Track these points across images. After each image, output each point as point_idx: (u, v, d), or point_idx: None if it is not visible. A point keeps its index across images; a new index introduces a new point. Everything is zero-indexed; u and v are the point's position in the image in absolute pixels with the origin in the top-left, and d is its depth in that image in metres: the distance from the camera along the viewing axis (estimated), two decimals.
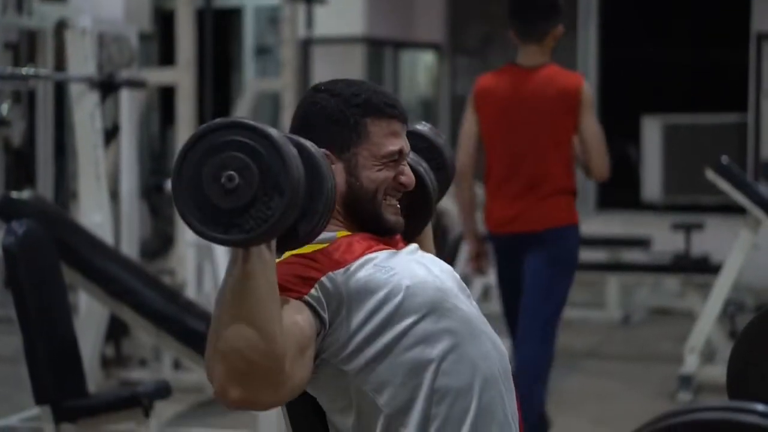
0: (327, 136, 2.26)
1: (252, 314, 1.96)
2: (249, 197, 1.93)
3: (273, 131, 1.97)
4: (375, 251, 2.23)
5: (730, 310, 7.16)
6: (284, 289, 2.07)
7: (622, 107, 11.45)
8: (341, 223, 2.30)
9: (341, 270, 2.16)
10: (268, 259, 2.00)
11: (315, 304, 2.11)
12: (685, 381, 6.25)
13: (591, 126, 4.84)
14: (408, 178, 2.31)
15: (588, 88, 4.88)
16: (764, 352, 2.56)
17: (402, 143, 2.30)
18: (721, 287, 6.37)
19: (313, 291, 2.12)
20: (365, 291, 2.15)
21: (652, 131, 10.62)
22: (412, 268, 2.22)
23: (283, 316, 2.02)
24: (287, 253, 2.19)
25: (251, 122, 1.97)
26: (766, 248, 7.55)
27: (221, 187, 1.94)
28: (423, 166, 2.42)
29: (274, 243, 2.03)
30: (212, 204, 1.95)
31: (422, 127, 2.55)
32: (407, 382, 2.14)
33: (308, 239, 2.13)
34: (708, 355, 6.70)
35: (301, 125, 2.29)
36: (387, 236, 2.32)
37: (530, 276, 4.81)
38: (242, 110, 9.40)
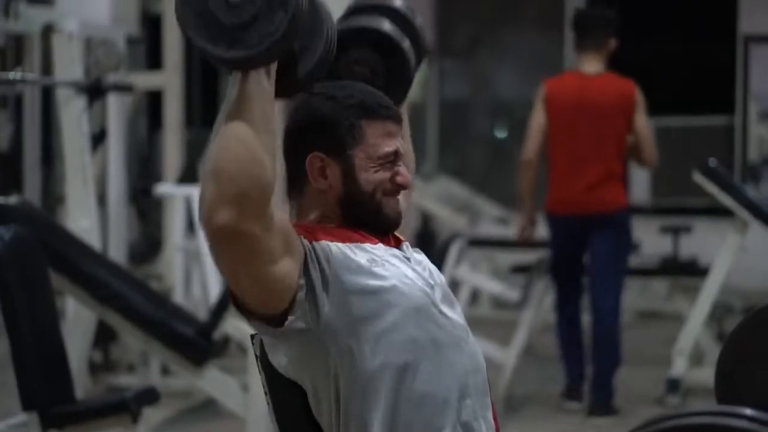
0: (322, 139, 2.26)
1: (244, 138, 2.01)
2: (253, 11, 1.95)
3: None
4: (373, 244, 2.25)
5: (718, 312, 7.17)
6: (288, 230, 2.14)
7: None
8: (337, 223, 2.30)
9: (341, 244, 2.20)
10: (266, 87, 2.04)
11: (307, 252, 2.17)
12: (674, 384, 6.25)
13: (645, 124, 5.94)
14: (404, 177, 2.31)
15: (640, 92, 5.99)
16: (752, 355, 2.56)
17: (397, 144, 2.31)
18: (709, 290, 6.37)
19: (306, 242, 2.18)
20: (355, 268, 2.19)
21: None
22: (404, 270, 2.24)
23: (281, 217, 2.11)
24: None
25: None
26: (754, 251, 7.57)
27: (225, 3, 1.96)
28: (392, 29, 2.44)
29: (273, 71, 2.05)
30: (216, 20, 1.96)
31: (398, 3, 2.56)
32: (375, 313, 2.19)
33: (308, 81, 2.16)
34: (696, 358, 6.70)
35: (296, 129, 2.30)
36: (385, 233, 2.32)
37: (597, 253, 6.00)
38: None
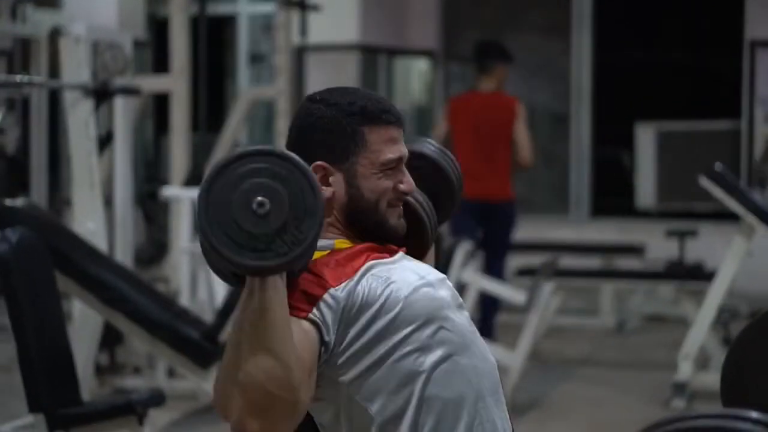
0: (325, 146, 2.24)
1: (271, 346, 1.97)
2: (281, 220, 1.94)
3: (293, 155, 1.99)
4: (373, 260, 2.21)
5: (724, 317, 7.17)
6: (291, 307, 2.05)
7: (615, 114, 11.46)
8: (340, 231, 2.27)
9: (342, 285, 2.14)
10: (281, 288, 2.00)
11: (320, 323, 2.10)
12: (680, 388, 6.25)
13: (522, 131, 7.48)
14: (408, 185, 2.28)
15: (521, 106, 7.58)
16: (758, 359, 2.56)
17: (401, 149, 2.28)
18: (715, 294, 6.37)
19: (316, 311, 2.10)
20: (363, 304, 2.14)
21: (645, 138, 10.63)
22: (407, 277, 2.20)
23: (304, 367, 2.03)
24: None
25: (271, 148, 1.98)
26: (760, 255, 7.56)
27: (253, 213, 1.94)
28: (420, 199, 2.39)
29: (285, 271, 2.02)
30: (242, 229, 1.94)
31: (427, 147, 2.52)
32: (399, 391, 2.13)
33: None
34: (702, 362, 6.70)
35: (298, 136, 2.27)
36: (389, 242, 2.30)
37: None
38: (236, 118, 9.40)
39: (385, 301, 2.15)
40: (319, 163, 2.23)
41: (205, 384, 5.01)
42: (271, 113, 10.04)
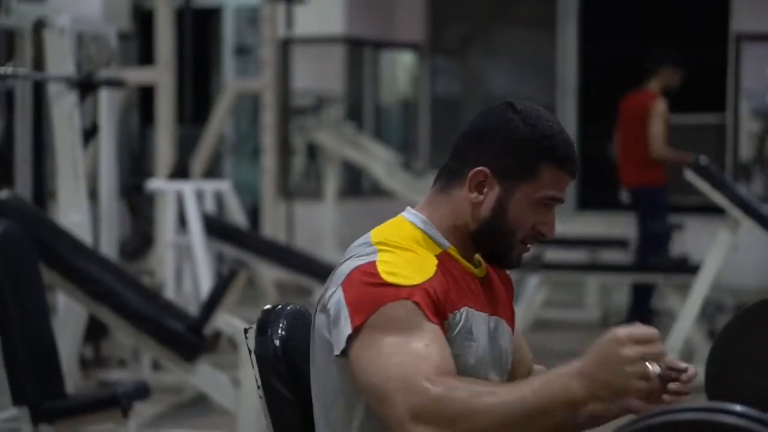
0: (500, 158, 2.20)
1: None
2: None
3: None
4: (469, 308, 2.20)
5: (710, 310, 7.18)
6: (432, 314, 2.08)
7: (601, 107, 11.47)
8: (457, 239, 2.24)
9: (450, 316, 2.15)
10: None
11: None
12: None
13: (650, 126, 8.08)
14: (549, 228, 2.25)
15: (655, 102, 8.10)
16: (742, 353, 2.57)
17: (563, 195, 2.25)
18: (700, 287, 6.38)
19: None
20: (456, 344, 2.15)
21: None
22: (484, 341, 2.23)
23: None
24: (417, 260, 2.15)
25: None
26: (745, 248, 7.58)
27: None
28: None
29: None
30: None
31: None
32: None
33: None
34: (687, 355, 6.71)
35: (481, 134, 2.23)
36: (498, 268, 2.30)
37: None
38: (222, 110, 9.38)
39: (468, 354, 2.20)
40: (484, 170, 2.20)
41: (190, 377, 5.00)
42: (257, 105, 10.03)
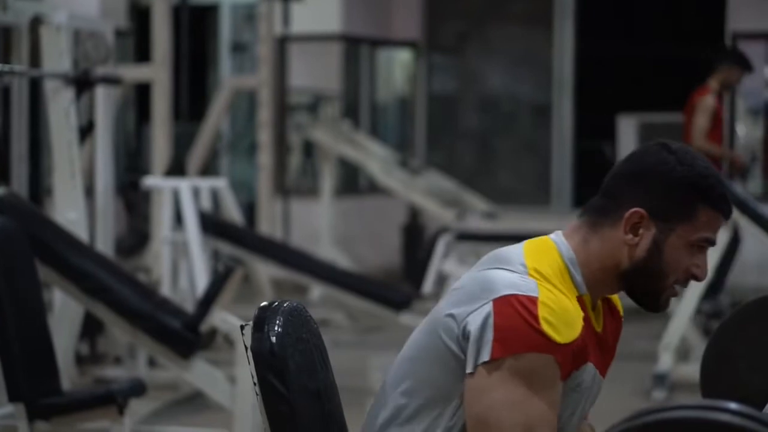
0: (656, 199, 2.19)
1: None
2: None
3: None
4: (591, 363, 2.23)
5: (705, 308, 7.19)
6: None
7: (598, 105, 11.47)
8: (602, 277, 2.24)
9: (575, 373, 2.18)
10: None
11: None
12: (660, 379, 6.27)
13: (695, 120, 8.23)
14: (702, 271, 2.23)
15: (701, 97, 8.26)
16: (737, 351, 2.57)
17: (716, 235, 2.24)
18: (696, 286, 6.39)
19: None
20: None
21: (627, 129, 10.64)
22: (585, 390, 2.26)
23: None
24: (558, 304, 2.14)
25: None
26: (742, 247, 7.58)
27: None
28: None
29: None
30: None
31: None
32: None
33: None
34: (683, 354, 6.72)
35: (637, 175, 2.22)
36: (643, 308, 2.29)
37: None
38: (218, 107, 9.38)
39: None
40: (641, 211, 2.19)
41: (185, 374, 5.00)
42: (254, 103, 10.02)
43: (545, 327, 2.08)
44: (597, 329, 2.27)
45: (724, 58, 8.43)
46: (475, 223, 9.47)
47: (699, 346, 6.61)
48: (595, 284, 2.23)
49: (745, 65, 8.30)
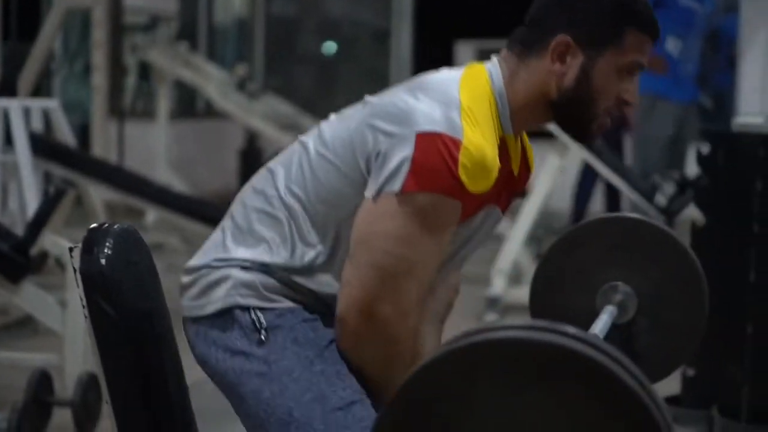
0: (584, 25, 2.15)
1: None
2: None
3: None
4: (489, 206, 2.22)
5: (538, 233, 7.32)
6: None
7: (436, 32, 11.53)
8: (530, 109, 2.20)
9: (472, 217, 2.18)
10: None
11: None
12: (493, 302, 6.39)
13: None
14: (633, 95, 2.20)
15: None
16: (564, 274, 2.63)
17: (645, 59, 2.20)
18: (529, 211, 6.50)
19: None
20: None
21: (465, 56, 10.72)
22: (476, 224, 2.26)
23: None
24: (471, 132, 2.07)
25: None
26: (573, 173, 7.73)
27: None
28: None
29: None
30: None
31: None
32: None
33: None
34: (515, 278, 6.85)
35: (562, 1, 2.17)
36: (576, 139, 2.27)
37: None
38: (51, 26, 9.14)
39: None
40: (567, 38, 2.15)
41: (15, 298, 4.90)
42: (88, 22, 9.79)
43: (462, 173, 2.04)
44: (514, 171, 2.27)
45: None
46: None
47: (531, 270, 6.75)
48: (524, 118, 2.21)
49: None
